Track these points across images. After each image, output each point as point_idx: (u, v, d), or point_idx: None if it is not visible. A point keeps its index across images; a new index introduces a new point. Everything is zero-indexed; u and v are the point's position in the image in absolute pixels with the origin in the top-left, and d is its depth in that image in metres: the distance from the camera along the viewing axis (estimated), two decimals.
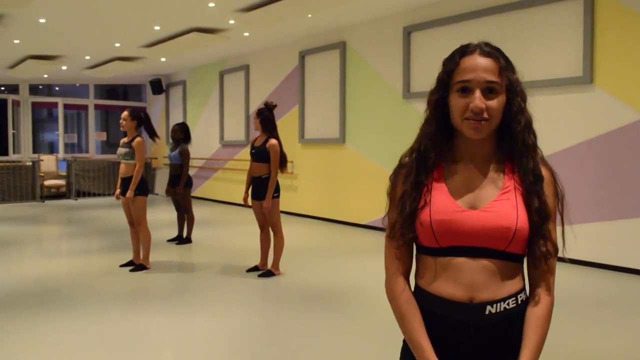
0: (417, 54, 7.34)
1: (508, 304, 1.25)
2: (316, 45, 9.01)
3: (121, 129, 5.50)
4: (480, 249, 1.25)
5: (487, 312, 1.24)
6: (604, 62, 5.48)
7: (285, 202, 7.02)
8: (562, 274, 5.26)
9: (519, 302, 1.27)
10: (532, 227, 1.24)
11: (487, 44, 1.29)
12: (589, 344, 3.56)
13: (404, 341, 1.36)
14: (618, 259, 5.44)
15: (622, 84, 5.36)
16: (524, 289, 1.31)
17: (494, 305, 1.24)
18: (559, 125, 5.77)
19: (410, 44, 7.42)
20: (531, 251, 1.26)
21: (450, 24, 6.84)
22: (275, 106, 5.31)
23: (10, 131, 13.35)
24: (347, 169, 8.49)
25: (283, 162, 5.23)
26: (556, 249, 1.26)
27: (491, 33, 6.31)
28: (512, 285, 1.27)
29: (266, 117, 5.21)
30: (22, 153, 13.45)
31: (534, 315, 1.26)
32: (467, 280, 1.25)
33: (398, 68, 7.59)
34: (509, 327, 1.26)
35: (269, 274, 5.32)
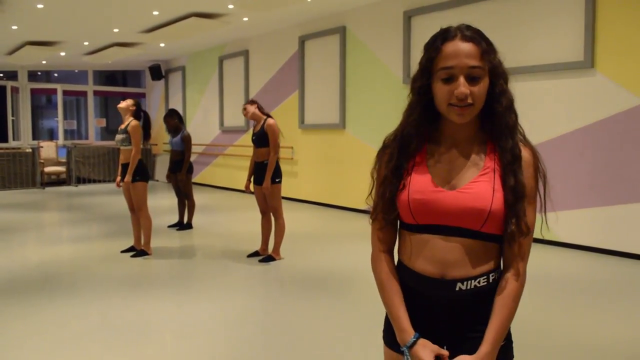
0: (417, 39, 7.29)
1: (479, 282, 1.29)
2: (316, 30, 8.96)
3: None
4: (455, 228, 1.28)
5: (457, 289, 1.28)
6: (605, 47, 5.45)
7: (286, 187, 7.03)
8: (559, 258, 5.29)
9: (490, 280, 1.30)
10: (507, 205, 1.26)
11: (468, 28, 1.28)
12: (583, 327, 3.58)
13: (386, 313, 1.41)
14: (616, 244, 5.46)
15: (623, 69, 5.33)
16: (497, 267, 1.32)
17: (465, 283, 1.28)
18: (559, 110, 5.75)
19: (410, 28, 7.37)
20: (504, 229, 1.28)
21: (450, 9, 6.79)
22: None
23: (10, 118, 13.33)
24: (347, 155, 8.48)
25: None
26: (528, 228, 1.27)
27: (491, 17, 6.28)
28: (485, 265, 1.29)
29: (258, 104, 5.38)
30: (22, 140, 13.45)
31: (500, 295, 1.29)
32: (440, 257, 1.29)
33: (398, 53, 7.55)
34: (479, 302, 1.30)
35: (269, 259, 5.35)
